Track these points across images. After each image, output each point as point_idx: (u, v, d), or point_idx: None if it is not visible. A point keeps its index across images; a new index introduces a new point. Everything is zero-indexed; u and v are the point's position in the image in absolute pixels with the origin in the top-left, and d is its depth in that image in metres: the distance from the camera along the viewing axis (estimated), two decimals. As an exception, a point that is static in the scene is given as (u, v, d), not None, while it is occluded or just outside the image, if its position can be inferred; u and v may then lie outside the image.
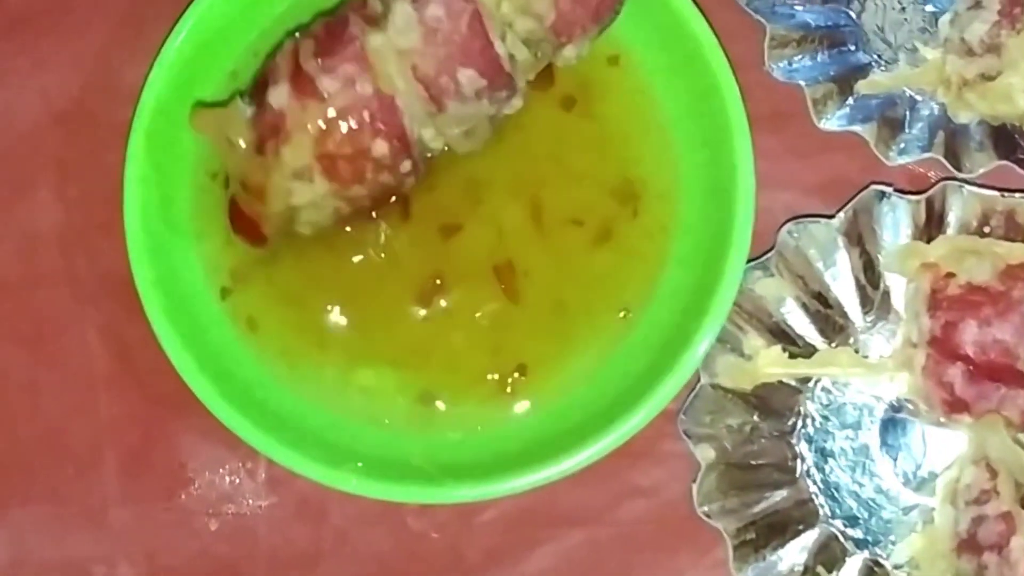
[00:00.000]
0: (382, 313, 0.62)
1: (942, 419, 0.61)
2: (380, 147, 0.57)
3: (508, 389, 0.62)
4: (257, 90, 0.59)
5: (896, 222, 0.62)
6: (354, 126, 0.57)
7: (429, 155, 0.60)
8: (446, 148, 0.60)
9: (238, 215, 0.60)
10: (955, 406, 0.61)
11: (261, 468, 0.64)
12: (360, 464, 0.60)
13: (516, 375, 0.62)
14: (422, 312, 0.62)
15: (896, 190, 0.62)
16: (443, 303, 0.62)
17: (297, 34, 0.60)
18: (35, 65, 0.66)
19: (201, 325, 0.62)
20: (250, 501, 0.64)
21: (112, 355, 0.65)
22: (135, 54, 0.64)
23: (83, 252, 0.65)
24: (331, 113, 0.57)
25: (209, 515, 0.64)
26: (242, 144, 0.58)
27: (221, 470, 0.64)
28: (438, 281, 0.61)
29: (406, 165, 0.58)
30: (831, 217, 0.63)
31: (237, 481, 0.64)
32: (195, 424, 0.63)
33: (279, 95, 0.57)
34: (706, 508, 0.62)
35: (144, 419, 0.65)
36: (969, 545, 0.60)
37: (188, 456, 0.64)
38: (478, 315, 0.62)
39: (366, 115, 0.57)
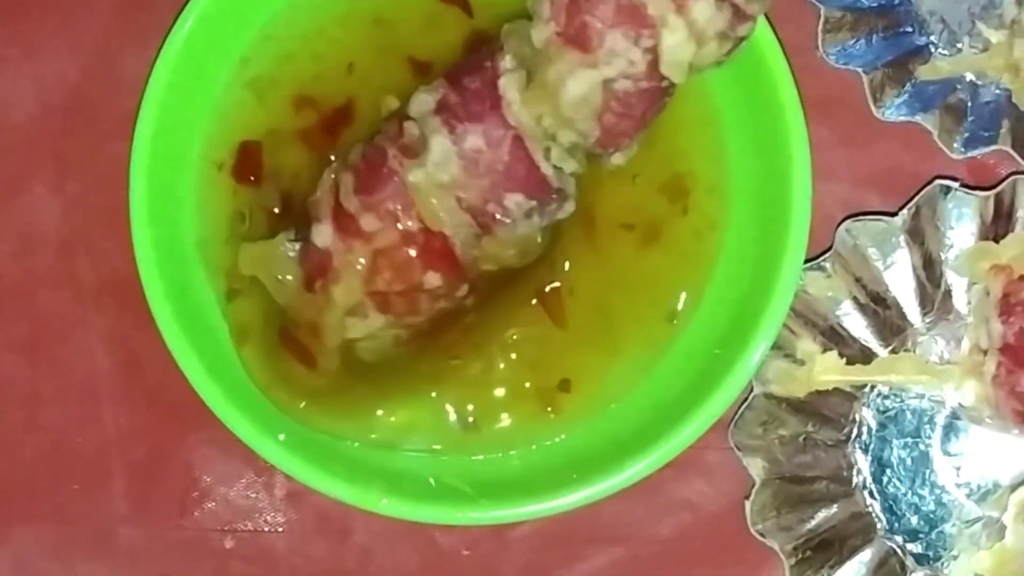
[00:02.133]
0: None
1: (1015, 431, 0.59)
2: (432, 279, 0.55)
3: (549, 408, 0.59)
4: (301, 225, 0.56)
5: (961, 218, 0.60)
6: (402, 262, 0.54)
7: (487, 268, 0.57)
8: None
9: (293, 345, 0.57)
10: (1029, 417, 0.58)
11: (279, 482, 0.62)
12: (388, 483, 0.57)
13: (558, 391, 0.59)
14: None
15: (961, 184, 0.60)
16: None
17: (334, 159, 0.57)
18: (29, 52, 0.64)
19: (213, 330, 0.59)
20: (268, 517, 0.62)
21: (118, 363, 0.63)
22: (137, 40, 0.62)
23: (84, 252, 0.63)
24: (376, 251, 0.54)
25: (224, 533, 0.62)
26: (291, 279, 0.56)
27: (236, 485, 0.63)
28: None
29: (463, 289, 0.56)
30: (891, 215, 0.60)
31: (254, 496, 0.63)
32: (208, 436, 0.62)
33: (322, 234, 0.55)
34: (760, 526, 0.59)
35: (153, 431, 0.63)
36: (1043, 566, 0.58)
37: (201, 470, 0.62)
38: (514, 337, 0.58)
39: (413, 251, 0.54)
